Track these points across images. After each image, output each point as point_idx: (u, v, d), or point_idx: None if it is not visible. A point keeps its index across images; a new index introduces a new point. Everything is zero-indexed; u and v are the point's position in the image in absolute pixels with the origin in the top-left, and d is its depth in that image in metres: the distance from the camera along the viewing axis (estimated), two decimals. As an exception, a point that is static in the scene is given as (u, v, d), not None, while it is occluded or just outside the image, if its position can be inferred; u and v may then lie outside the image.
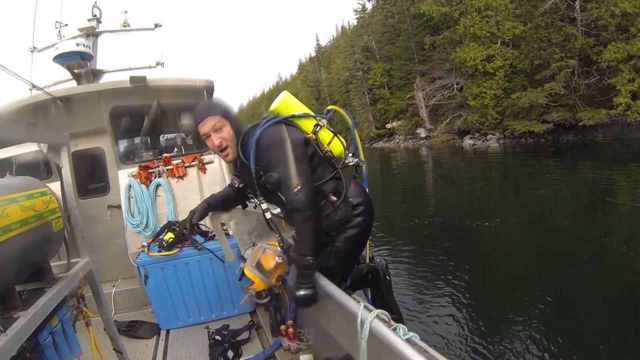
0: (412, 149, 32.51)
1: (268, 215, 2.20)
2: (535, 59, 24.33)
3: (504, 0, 26.31)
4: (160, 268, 3.47)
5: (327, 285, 1.97)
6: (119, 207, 4.27)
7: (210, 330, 3.26)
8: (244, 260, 3.31)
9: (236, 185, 2.44)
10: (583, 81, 22.69)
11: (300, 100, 2.35)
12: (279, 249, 2.28)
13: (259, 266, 2.30)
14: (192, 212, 2.36)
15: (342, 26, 61.16)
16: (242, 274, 2.35)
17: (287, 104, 2.25)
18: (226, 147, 2.11)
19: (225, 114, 2.12)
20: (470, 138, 28.09)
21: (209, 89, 4.40)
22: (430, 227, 9.31)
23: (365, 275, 2.67)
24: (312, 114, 2.28)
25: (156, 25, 5.18)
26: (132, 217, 4.11)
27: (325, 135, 2.27)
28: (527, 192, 12.11)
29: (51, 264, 1.92)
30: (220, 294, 3.67)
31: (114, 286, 4.17)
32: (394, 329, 1.46)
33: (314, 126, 2.24)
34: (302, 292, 1.96)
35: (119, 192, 4.26)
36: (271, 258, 2.29)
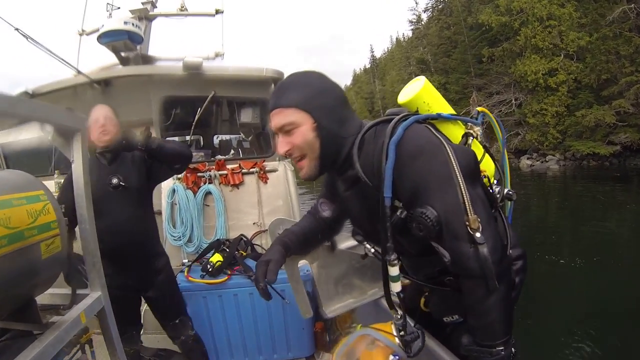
0: (466, 166, 31.14)
1: (398, 287, 1.22)
2: (602, 73, 22.40)
3: (567, 8, 24.74)
4: (202, 297, 2.81)
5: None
6: (159, 213, 3.67)
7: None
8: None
9: (325, 216, 1.53)
10: (655, 99, 20.69)
11: None
12: (396, 341, 1.31)
13: None
14: (265, 263, 1.35)
15: (396, 38, 60.13)
16: None
17: (429, 95, 1.40)
18: (304, 157, 1.25)
19: (307, 103, 1.20)
20: (528, 158, 26.14)
21: (278, 82, 3.74)
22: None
23: None
24: (462, 117, 1.46)
25: (217, 12, 4.61)
26: (174, 227, 3.47)
27: (475, 150, 1.38)
28: (588, 223, 10.57)
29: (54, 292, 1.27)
30: (273, 333, 2.95)
31: (145, 303, 3.57)
32: None
33: (463, 136, 1.43)
34: None
35: (160, 196, 3.66)
36: (381, 356, 1.30)
